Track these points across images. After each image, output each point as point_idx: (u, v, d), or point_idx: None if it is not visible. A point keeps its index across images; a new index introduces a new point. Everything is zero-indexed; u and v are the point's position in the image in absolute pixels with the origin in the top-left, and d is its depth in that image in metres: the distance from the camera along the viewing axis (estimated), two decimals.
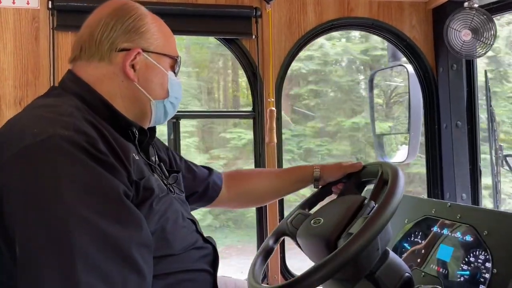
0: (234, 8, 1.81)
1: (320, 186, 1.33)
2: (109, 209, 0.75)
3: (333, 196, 1.31)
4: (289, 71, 1.91)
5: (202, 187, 1.30)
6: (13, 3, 1.65)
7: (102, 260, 0.71)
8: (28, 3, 1.66)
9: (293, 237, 1.16)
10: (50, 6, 1.64)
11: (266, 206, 1.85)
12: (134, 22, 0.96)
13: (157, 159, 1.11)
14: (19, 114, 0.88)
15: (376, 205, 0.97)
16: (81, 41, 0.97)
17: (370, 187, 1.23)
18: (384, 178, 1.06)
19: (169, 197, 0.98)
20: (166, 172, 1.10)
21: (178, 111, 1.89)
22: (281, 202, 1.87)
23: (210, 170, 1.36)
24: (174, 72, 1.04)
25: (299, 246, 1.15)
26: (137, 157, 0.91)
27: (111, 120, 0.93)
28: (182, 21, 1.77)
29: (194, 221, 1.06)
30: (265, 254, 1.20)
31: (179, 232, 0.96)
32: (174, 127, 1.78)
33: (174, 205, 0.99)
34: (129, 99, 0.97)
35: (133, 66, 0.96)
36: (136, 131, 0.97)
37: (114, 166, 0.79)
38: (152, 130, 1.04)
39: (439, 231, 1.28)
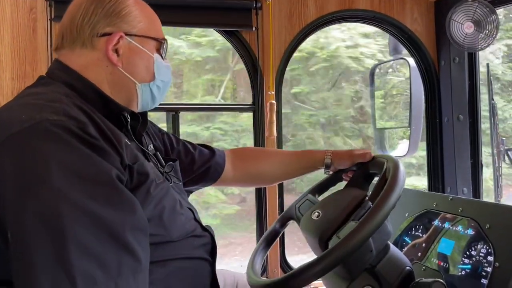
0: (234, 0, 1.79)
1: (330, 173, 1.32)
2: (101, 192, 0.74)
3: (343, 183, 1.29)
4: None
5: (203, 168, 1.29)
6: None
7: (95, 244, 0.71)
8: None
9: (299, 223, 1.16)
10: None
11: (266, 198, 1.84)
12: (115, 5, 0.94)
13: (152, 148, 1.10)
14: (7, 104, 0.87)
15: (370, 208, 0.96)
16: (63, 28, 0.96)
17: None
18: (385, 176, 1.04)
19: (166, 184, 0.97)
20: (162, 160, 1.09)
21: (177, 104, 1.89)
22: (280, 189, 1.86)
23: (211, 150, 1.34)
24: (161, 55, 1.02)
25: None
26: (129, 143, 0.90)
27: (102, 106, 0.92)
28: (183, 13, 1.76)
29: (192, 210, 1.05)
30: (271, 238, 1.20)
31: (177, 219, 0.95)
32: (174, 120, 1.77)
33: (171, 192, 0.98)
34: (116, 84, 0.96)
35: (116, 51, 0.94)
36: (128, 116, 0.96)
37: (105, 150, 0.78)
38: (144, 116, 1.02)
39: (440, 224, 1.27)
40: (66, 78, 0.92)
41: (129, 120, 0.95)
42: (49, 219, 0.69)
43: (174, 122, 1.77)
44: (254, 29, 1.80)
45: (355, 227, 0.90)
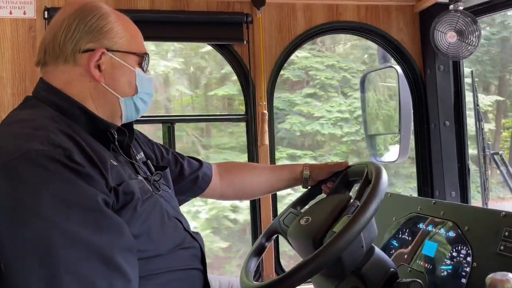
0: (225, 14, 1.85)
1: (309, 186, 1.37)
2: (88, 219, 0.77)
3: (323, 196, 1.35)
4: None
5: (191, 178, 1.32)
6: (10, 13, 1.70)
7: (87, 269, 0.74)
8: (24, 13, 1.71)
9: (285, 235, 1.21)
10: (46, 16, 1.69)
11: (260, 205, 1.89)
12: (97, 21, 0.96)
13: (143, 155, 1.13)
14: None
15: (362, 202, 1.01)
16: (45, 43, 0.97)
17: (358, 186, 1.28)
18: (368, 178, 1.10)
19: (153, 198, 0.98)
20: (152, 168, 1.11)
21: (172, 116, 1.95)
22: (274, 201, 1.91)
23: (199, 161, 1.37)
24: (143, 69, 1.03)
25: (291, 244, 1.19)
26: (115, 163, 0.92)
27: (88, 124, 0.94)
28: (175, 28, 1.82)
29: (180, 220, 1.07)
30: (258, 251, 1.24)
31: (165, 232, 0.98)
32: (169, 131, 1.82)
33: (159, 205, 1.00)
34: (99, 99, 0.97)
35: (99, 66, 0.96)
36: (115, 132, 0.98)
37: (91, 176, 0.81)
38: (130, 129, 1.05)
39: (425, 228, 1.32)
40: (51, 99, 0.94)
41: (115, 136, 0.98)
42: (40, 249, 0.72)
43: (170, 133, 1.83)
44: (245, 42, 1.86)
45: (352, 218, 0.95)
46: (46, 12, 1.69)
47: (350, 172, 1.27)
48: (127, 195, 0.89)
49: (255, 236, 1.92)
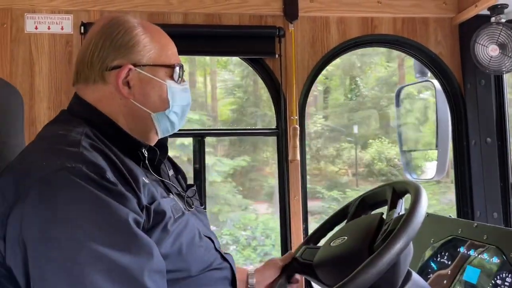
0: (257, 28, 1.85)
1: None
2: (118, 239, 0.76)
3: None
4: None
5: None
6: (48, 28, 1.75)
7: None
8: (62, 29, 1.75)
9: (307, 270, 1.11)
10: (82, 31, 1.73)
11: (290, 224, 1.83)
12: (123, 36, 0.94)
13: (173, 173, 1.10)
14: (30, 145, 0.90)
15: (405, 209, 0.93)
16: (77, 64, 0.97)
17: None
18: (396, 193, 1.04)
19: (185, 217, 0.96)
20: (183, 184, 1.09)
21: (203, 129, 1.94)
22: (305, 221, 1.86)
23: None
24: (175, 80, 0.99)
25: (316, 278, 1.09)
26: (147, 181, 0.90)
27: (120, 141, 0.92)
28: (208, 42, 1.82)
29: (211, 239, 1.04)
30: None
31: (196, 252, 0.95)
32: (199, 145, 1.82)
33: (191, 224, 0.97)
34: (131, 117, 0.96)
35: (128, 83, 0.94)
36: (145, 151, 0.96)
37: (123, 195, 0.80)
38: (163, 146, 1.03)
39: (466, 252, 1.25)
40: (85, 114, 0.94)
41: (146, 155, 0.96)
42: (69, 268, 0.72)
43: (200, 147, 1.82)
44: (277, 56, 1.84)
45: (405, 216, 0.87)
46: (82, 27, 1.73)
47: (369, 197, 1.16)
48: (158, 214, 0.87)
49: (285, 248, 1.86)
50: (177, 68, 0.99)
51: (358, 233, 1.01)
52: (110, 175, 0.80)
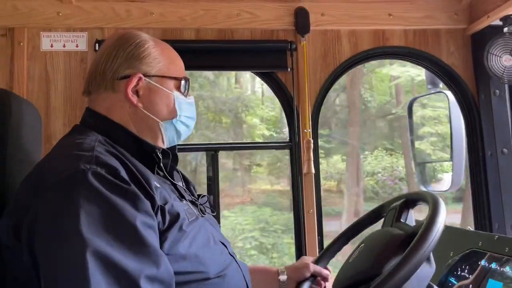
0: (269, 42, 1.86)
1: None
2: (125, 242, 0.77)
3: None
4: None
5: None
6: (64, 46, 1.78)
7: None
8: (77, 46, 1.78)
9: None
10: (96, 48, 1.74)
11: (305, 237, 1.81)
12: (135, 48, 1.00)
13: (184, 183, 1.13)
14: (47, 156, 0.93)
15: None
16: (89, 74, 1.02)
17: None
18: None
19: (199, 221, 0.98)
20: (195, 193, 1.11)
21: (216, 144, 1.94)
22: (320, 234, 1.84)
23: None
24: (182, 92, 1.05)
25: None
26: (158, 185, 0.92)
27: (135, 148, 0.96)
28: (220, 57, 1.83)
29: (225, 245, 1.06)
30: None
31: (213, 255, 0.97)
32: (213, 160, 1.82)
33: (204, 228, 0.99)
34: (140, 124, 1.00)
35: (137, 92, 0.99)
36: (160, 154, 0.99)
37: (136, 194, 0.82)
38: (174, 154, 1.06)
39: (487, 265, 1.22)
40: (97, 124, 0.98)
41: (161, 157, 0.99)
42: (75, 267, 0.74)
43: (214, 161, 1.82)
44: (289, 69, 1.85)
45: (428, 219, 0.87)
46: (97, 45, 1.75)
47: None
48: (172, 215, 0.89)
49: None
50: (184, 82, 1.06)
51: (377, 243, 0.99)
52: (124, 174, 0.83)
